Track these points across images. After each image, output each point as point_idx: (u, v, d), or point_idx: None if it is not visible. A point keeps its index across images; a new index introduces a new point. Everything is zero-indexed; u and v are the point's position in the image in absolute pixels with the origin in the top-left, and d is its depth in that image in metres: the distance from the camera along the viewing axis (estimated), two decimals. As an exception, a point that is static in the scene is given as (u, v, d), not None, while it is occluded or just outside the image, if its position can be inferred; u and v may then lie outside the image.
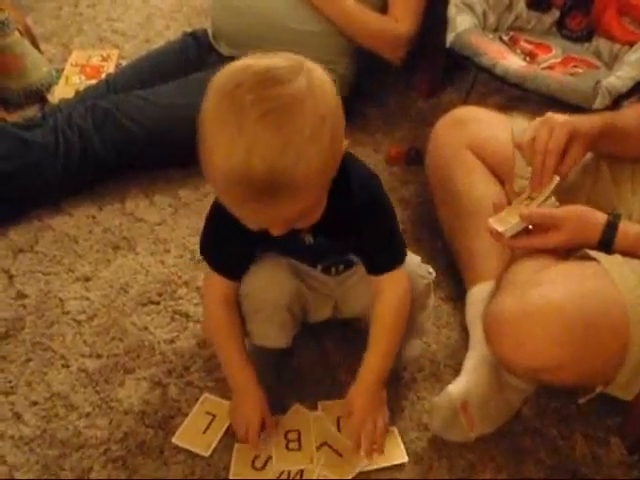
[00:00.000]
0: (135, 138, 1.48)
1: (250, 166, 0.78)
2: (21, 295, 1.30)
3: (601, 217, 1.04)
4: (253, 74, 0.80)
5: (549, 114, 1.10)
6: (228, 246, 1.02)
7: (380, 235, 1.03)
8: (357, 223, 1.00)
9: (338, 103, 0.85)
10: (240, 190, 0.80)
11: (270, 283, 1.06)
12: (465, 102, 1.64)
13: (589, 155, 1.16)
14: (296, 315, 1.12)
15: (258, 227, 0.90)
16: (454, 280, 1.32)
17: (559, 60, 1.50)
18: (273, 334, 1.09)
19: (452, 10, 1.52)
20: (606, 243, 1.03)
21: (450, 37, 1.51)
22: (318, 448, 1.05)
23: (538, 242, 1.05)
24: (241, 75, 0.81)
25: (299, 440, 1.06)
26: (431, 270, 1.15)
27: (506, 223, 1.06)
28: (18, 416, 1.11)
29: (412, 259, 1.11)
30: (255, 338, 1.11)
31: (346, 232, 1.01)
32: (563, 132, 1.06)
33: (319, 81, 0.83)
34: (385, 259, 1.05)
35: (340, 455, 1.04)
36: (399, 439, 1.09)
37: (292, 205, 0.83)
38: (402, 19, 1.60)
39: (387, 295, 1.05)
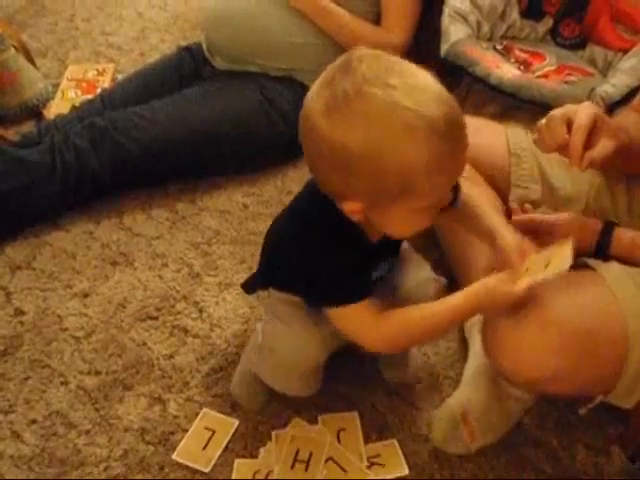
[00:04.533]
0: (132, 156, 1.49)
1: (445, 110, 0.79)
2: (19, 312, 1.30)
3: (596, 223, 1.04)
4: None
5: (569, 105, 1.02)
6: (356, 274, 0.93)
7: None
8: None
9: None
10: (452, 131, 0.80)
11: (303, 347, 1.01)
12: (460, 111, 1.64)
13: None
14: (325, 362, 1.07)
15: (450, 187, 0.89)
16: (453, 290, 1.31)
17: (553, 68, 1.51)
18: (304, 387, 1.08)
19: (446, 20, 1.53)
20: (602, 249, 1.03)
21: (444, 47, 1.51)
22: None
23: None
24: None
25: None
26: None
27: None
28: (17, 435, 1.11)
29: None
30: (277, 387, 1.08)
31: None
32: (590, 111, 0.98)
33: None
34: None
35: (344, 470, 1.04)
36: (399, 451, 1.08)
37: None
38: (395, 30, 1.60)
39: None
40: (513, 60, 1.52)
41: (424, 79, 0.82)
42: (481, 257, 1.20)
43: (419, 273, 1.09)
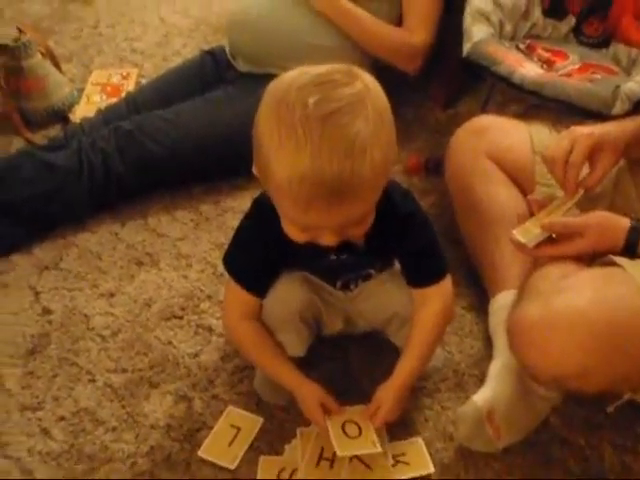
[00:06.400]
0: (157, 159, 1.51)
1: (319, 169, 0.79)
2: (47, 311, 1.32)
3: (624, 222, 1.03)
4: (312, 78, 0.82)
5: (573, 127, 1.10)
6: (255, 262, 1.04)
7: (425, 246, 1.04)
8: (401, 234, 1.01)
9: (387, 100, 0.87)
10: (308, 194, 0.81)
11: (282, 294, 1.07)
12: (483, 111, 1.64)
13: None
14: (310, 325, 1.12)
15: (309, 238, 0.90)
16: (476, 289, 1.31)
17: (577, 67, 1.50)
18: (288, 343, 1.10)
19: (468, 20, 1.52)
20: (630, 247, 1.02)
21: (466, 47, 1.51)
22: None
23: (562, 250, 1.05)
24: (299, 80, 0.82)
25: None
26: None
27: (528, 234, 1.06)
28: (46, 431, 1.12)
29: None
30: None
31: (388, 244, 1.03)
32: (585, 145, 1.06)
33: (371, 81, 0.86)
34: (432, 270, 1.06)
35: (370, 468, 1.04)
36: (424, 449, 1.08)
37: (356, 206, 0.84)
38: (417, 30, 1.60)
39: (433, 303, 1.06)
40: (536, 59, 1.51)
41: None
42: (510, 270, 1.21)
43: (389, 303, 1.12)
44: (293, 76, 0.84)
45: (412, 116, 1.79)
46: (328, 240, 0.90)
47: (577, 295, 0.96)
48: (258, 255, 1.03)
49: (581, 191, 1.08)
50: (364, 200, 0.86)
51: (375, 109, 0.83)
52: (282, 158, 0.81)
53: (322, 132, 0.79)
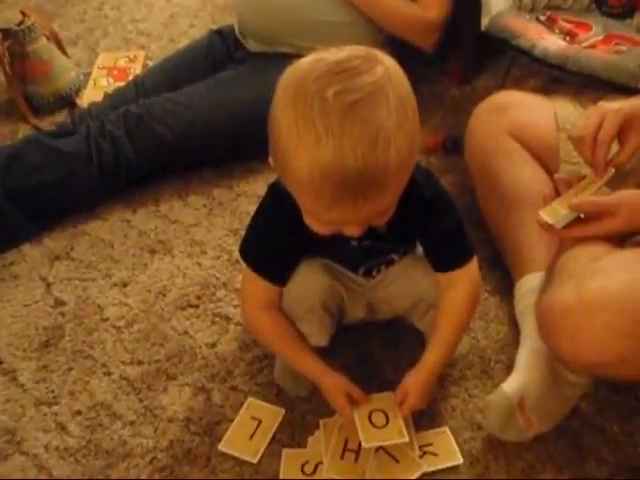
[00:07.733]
0: (167, 143, 1.46)
1: (343, 165, 0.75)
2: (59, 302, 1.29)
3: None
4: (329, 66, 0.77)
5: (601, 103, 1.05)
6: (273, 250, 1.00)
7: (450, 228, 1.00)
8: (425, 218, 0.97)
9: (409, 85, 0.82)
10: (331, 191, 0.77)
11: (303, 282, 1.04)
12: (502, 87, 1.59)
13: None
14: (333, 313, 1.09)
15: (332, 231, 0.87)
16: (500, 272, 1.27)
17: (600, 38, 1.44)
18: (310, 332, 1.07)
19: (486, -8, 1.47)
20: None
21: (485, 20, 1.45)
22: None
23: (592, 230, 1.00)
24: (316, 70, 0.77)
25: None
26: None
27: (556, 214, 1.01)
28: (62, 427, 1.10)
29: None
30: None
31: (412, 229, 0.99)
32: (614, 121, 1.01)
33: (392, 66, 0.81)
34: (458, 253, 1.02)
35: (396, 460, 1.01)
36: (452, 439, 1.04)
37: (382, 198, 0.80)
38: (432, 5, 1.55)
39: (460, 286, 1.02)
40: (558, 31, 1.46)
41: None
42: (536, 251, 1.17)
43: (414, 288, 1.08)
44: (309, 64, 0.79)
45: (427, 93, 1.73)
46: (352, 232, 0.86)
47: (610, 278, 0.92)
48: (276, 243, 0.99)
49: (612, 170, 1.04)
50: (391, 192, 0.82)
51: (397, 96, 0.78)
52: (302, 155, 0.76)
53: (343, 126, 0.74)
